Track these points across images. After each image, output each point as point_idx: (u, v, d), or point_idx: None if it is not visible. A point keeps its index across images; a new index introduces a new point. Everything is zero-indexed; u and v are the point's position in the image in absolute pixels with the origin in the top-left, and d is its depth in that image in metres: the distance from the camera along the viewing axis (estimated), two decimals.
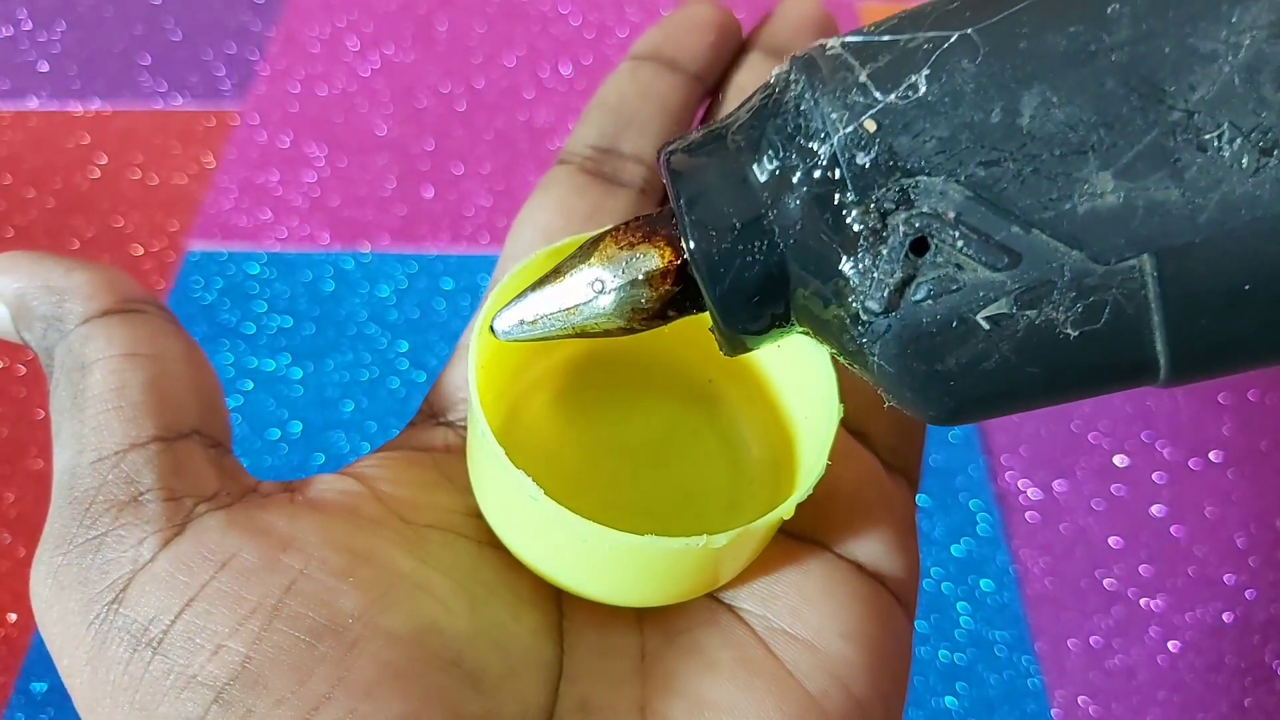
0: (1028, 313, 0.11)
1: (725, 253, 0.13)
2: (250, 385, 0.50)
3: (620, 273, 0.14)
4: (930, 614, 0.44)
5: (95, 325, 0.16)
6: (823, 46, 0.12)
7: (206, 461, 0.16)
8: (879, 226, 0.12)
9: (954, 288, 0.12)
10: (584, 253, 0.14)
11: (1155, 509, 0.48)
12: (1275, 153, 0.10)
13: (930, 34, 0.11)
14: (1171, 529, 0.47)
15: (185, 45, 0.68)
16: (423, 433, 0.19)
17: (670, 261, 0.14)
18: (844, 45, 0.12)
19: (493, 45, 0.69)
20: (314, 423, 0.48)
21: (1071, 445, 0.50)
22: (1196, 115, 0.10)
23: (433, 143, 0.62)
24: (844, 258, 0.12)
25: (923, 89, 0.11)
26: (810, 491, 0.16)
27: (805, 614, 0.16)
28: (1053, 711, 0.41)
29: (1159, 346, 0.11)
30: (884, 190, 0.12)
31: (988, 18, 0.11)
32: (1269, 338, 0.11)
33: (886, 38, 0.12)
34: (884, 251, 0.12)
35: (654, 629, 0.17)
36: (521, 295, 0.15)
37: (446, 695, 0.14)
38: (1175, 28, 0.10)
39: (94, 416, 0.15)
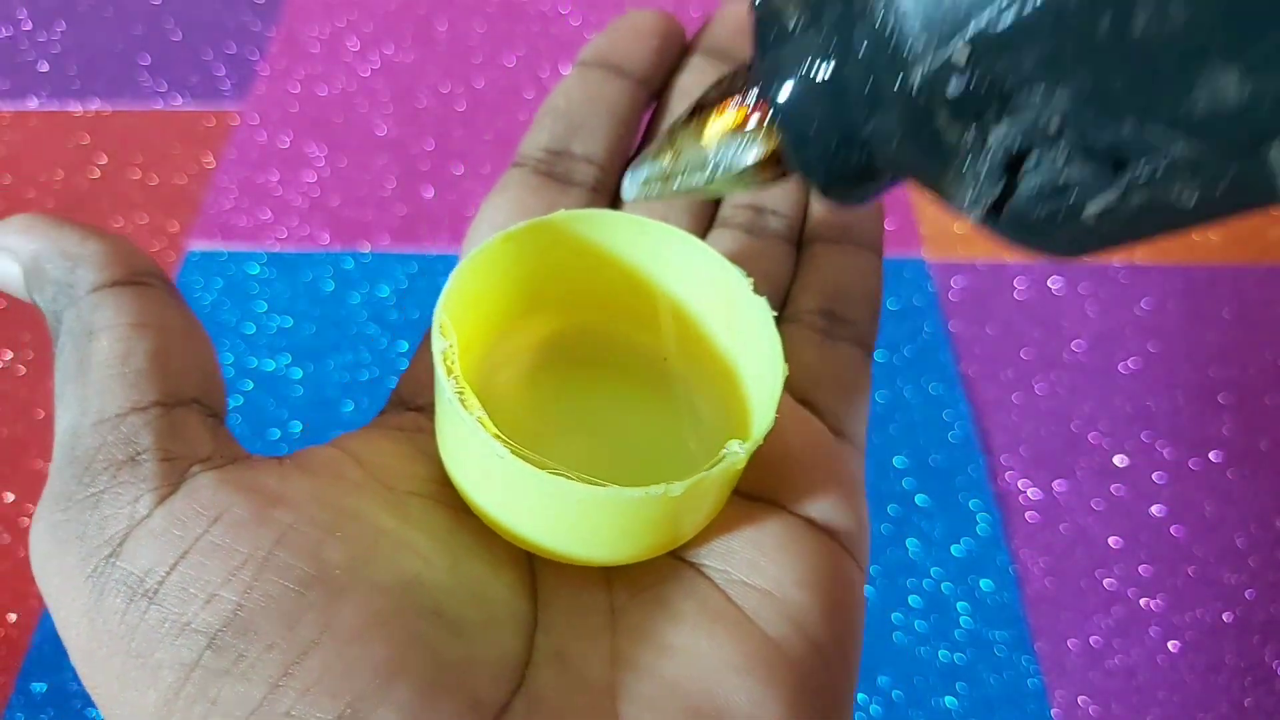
0: (1138, 196, 0.11)
1: (827, 167, 0.13)
2: (250, 385, 0.50)
3: (730, 158, 0.14)
4: (930, 614, 0.44)
5: (105, 294, 0.17)
6: None
7: (203, 428, 0.17)
8: (979, 141, 0.11)
9: (1058, 190, 0.11)
10: (693, 126, 0.15)
11: (1155, 509, 0.48)
12: None
13: None
14: (1171, 529, 0.47)
15: (185, 45, 0.68)
16: (393, 418, 0.20)
17: (777, 147, 0.14)
18: None
19: (493, 45, 0.69)
20: (314, 422, 0.48)
21: (1072, 445, 0.50)
22: None
23: (433, 143, 0.62)
24: (946, 170, 0.12)
25: (1019, 6, 0.10)
26: (761, 441, 0.16)
27: (763, 566, 0.17)
28: (1053, 711, 0.41)
29: None
30: (981, 109, 0.11)
31: None
32: None
33: None
34: (983, 169, 0.11)
35: (621, 587, 0.18)
36: (639, 165, 0.15)
37: (429, 641, 0.15)
38: None
39: (98, 381, 0.16)
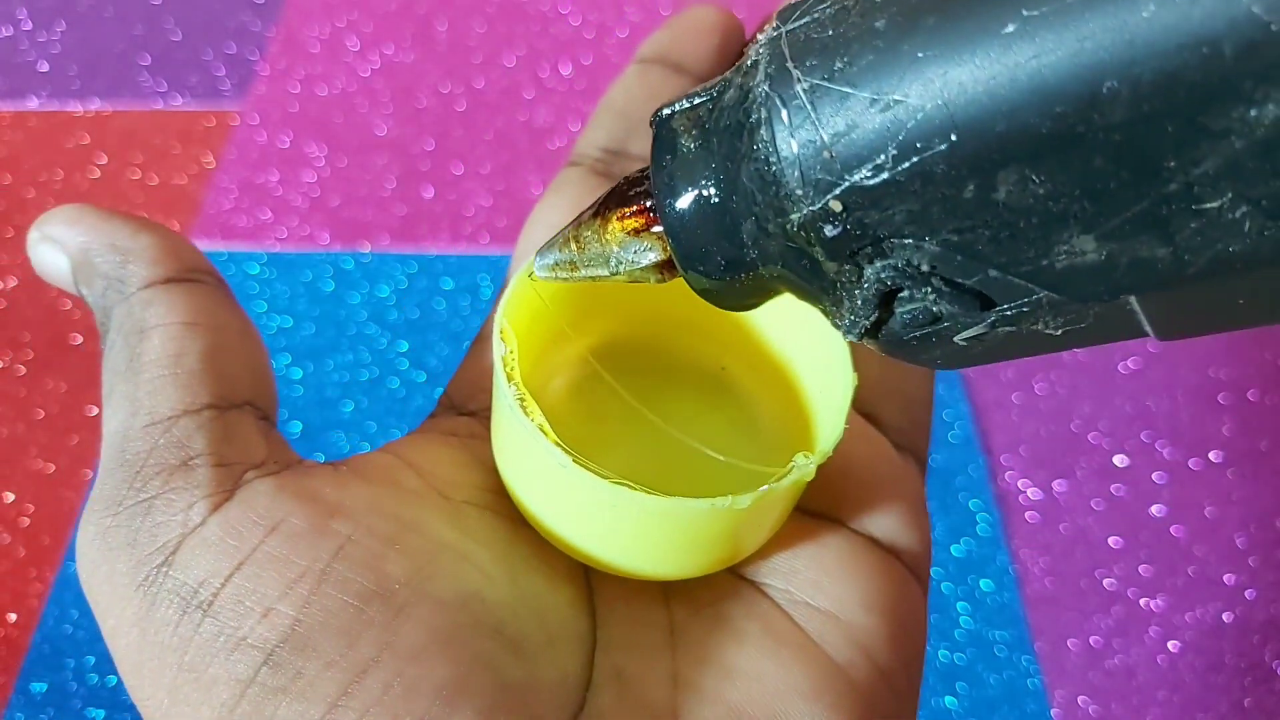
0: (1006, 328, 0.12)
1: (716, 283, 0.14)
2: None
3: (630, 258, 0.15)
4: (930, 614, 0.44)
5: (157, 291, 0.16)
6: (789, 76, 0.12)
7: (256, 432, 0.16)
8: (854, 275, 0.12)
9: (928, 320, 0.12)
10: (597, 224, 0.15)
11: (1155, 509, 0.48)
12: None
13: (898, 102, 0.11)
14: (1171, 529, 0.47)
15: (185, 45, 0.68)
16: (445, 423, 0.19)
17: (669, 256, 0.15)
18: (809, 91, 0.12)
19: (493, 45, 0.69)
20: (314, 423, 0.48)
21: (1072, 445, 0.50)
22: (1196, 187, 0.10)
23: (432, 143, 0.62)
24: (825, 294, 0.13)
25: (889, 171, 0.11)
26: (830, 453, 0.16)
27: (826, 586, 0.17)
28: (1052, 711, 0.41)
29: (1146, 329, 0.12)
30: (855, 249, 0.12)
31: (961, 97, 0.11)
32: (1259, 315, 0.11)
33: (846, 90, 0.11)
34: (859, 299, 0.12)
35: (680, 604, 0.17)
36: (549, 249, 0.16)
37: (491, 661, 0.14)
38: (1185, 108, 0.10)
39: (150, 381, 0.15)
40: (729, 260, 0.13)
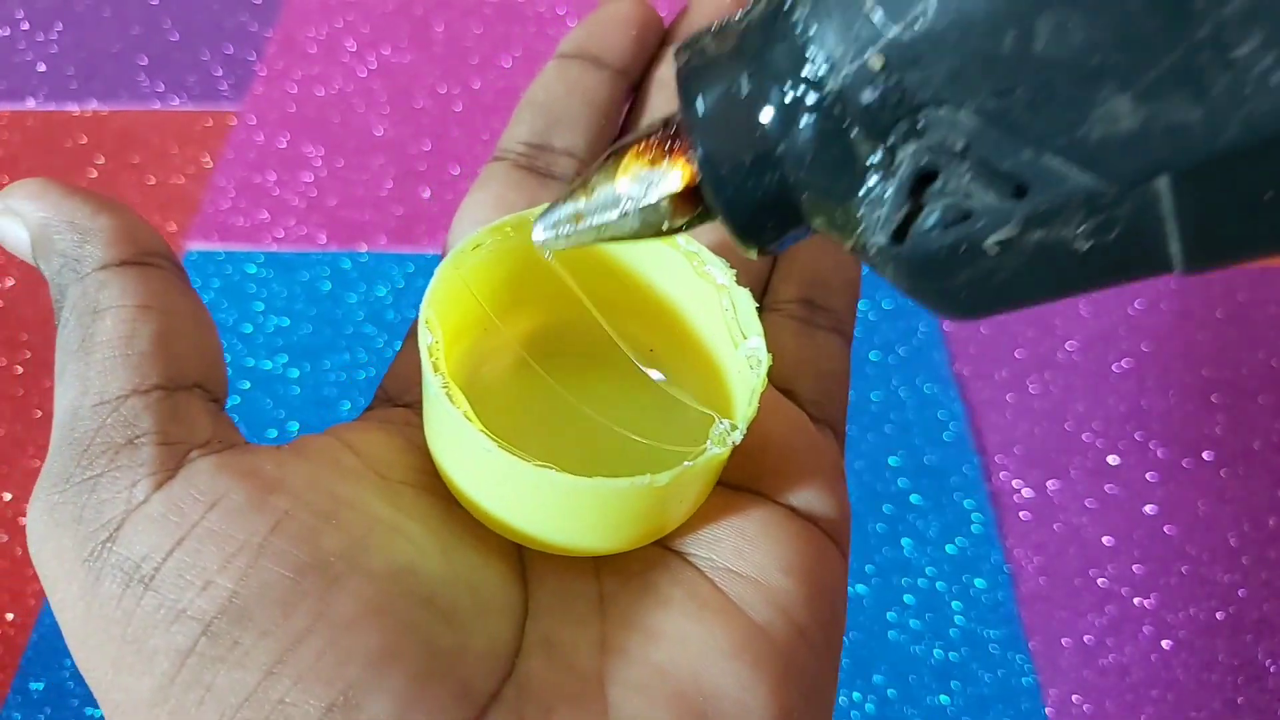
0: (1037, 232, 0.12)
1: (739, 188, 0.13)
2: (248, 385, 0.50)
3: (643, 193, 0.14)
4: (924, 613, 0.44)
5: (112, 273, 0.17)
6: None
7: (204, 413, 0.17)
8: (888, 160, 0.12)
9: (961, 217, 0.12)
10: (609, 165, 0.15)
11: (1148, 508, 0.48)
12: None
13: None
14: (1164, 528, 0.47)
15: (183, 46, 0.68)
16: (381, 413, 0.20)
17: (691, 180, 0.14)
18: None
19: (490, 46, 0.69)
20: (311, 422, 0.49)
21: (1065, 445, 0.50)
22: (1225, 30, 0.10)
23: (430, 143, 0.62)
24: (854, 192, 0.12)
25: (931, 19, 0.11)
26: (744, 433, 0.17)
27: (747, 553, 0.18)
28: (1046, 710, 0.42)
29: (1173, 250, 0.11)
30: (892, 125, 0.12)
31: None
32: None
33: None
34: (891, 187, 0.12)
35: (610, 575, 0.18)
36: (553, 207, 0.15)
37: (422, 630, 0.15)
38: None
39: (100, 361, 0.16)
40: (756, 159, 0.13)
